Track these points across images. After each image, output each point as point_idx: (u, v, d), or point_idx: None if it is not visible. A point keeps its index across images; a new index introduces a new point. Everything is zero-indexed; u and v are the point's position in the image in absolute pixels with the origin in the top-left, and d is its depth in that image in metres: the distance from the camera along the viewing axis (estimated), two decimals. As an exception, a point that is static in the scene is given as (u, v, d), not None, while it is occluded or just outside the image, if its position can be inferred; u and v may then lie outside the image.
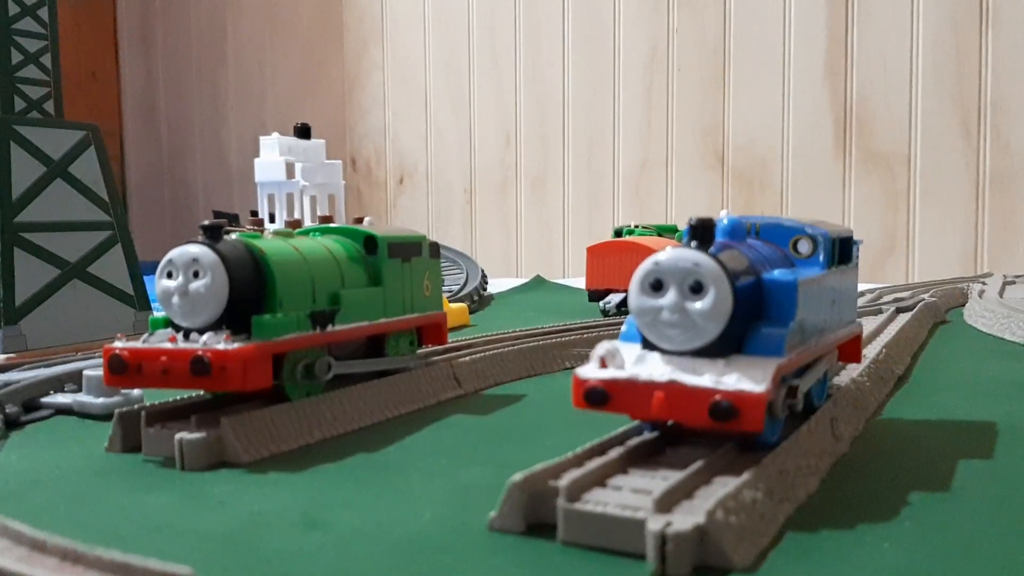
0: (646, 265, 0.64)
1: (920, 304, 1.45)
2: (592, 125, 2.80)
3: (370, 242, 0.94)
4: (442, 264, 2.30)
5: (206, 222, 0.79)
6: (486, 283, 2.11)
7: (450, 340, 1.21)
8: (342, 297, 0.87)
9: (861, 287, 2.02)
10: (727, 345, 0.63)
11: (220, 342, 0.75)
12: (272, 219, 2.48)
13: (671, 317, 0.63)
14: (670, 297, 0.63)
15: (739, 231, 0.76)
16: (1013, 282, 1.95)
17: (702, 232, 0.66)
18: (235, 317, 0.78)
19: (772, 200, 2.54)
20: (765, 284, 0.68)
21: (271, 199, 2.52)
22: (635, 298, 0.64)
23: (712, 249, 0.65)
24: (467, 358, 1.07)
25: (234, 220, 2.69)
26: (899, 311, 1.40)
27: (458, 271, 2.20)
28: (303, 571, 0.52)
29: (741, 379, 0.60)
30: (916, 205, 2.38)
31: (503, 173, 2.96)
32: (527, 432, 0.85)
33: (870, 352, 1.03)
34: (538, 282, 2.41)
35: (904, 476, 0.69)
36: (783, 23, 2.49)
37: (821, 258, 0.75)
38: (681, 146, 2.67)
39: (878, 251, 2.42)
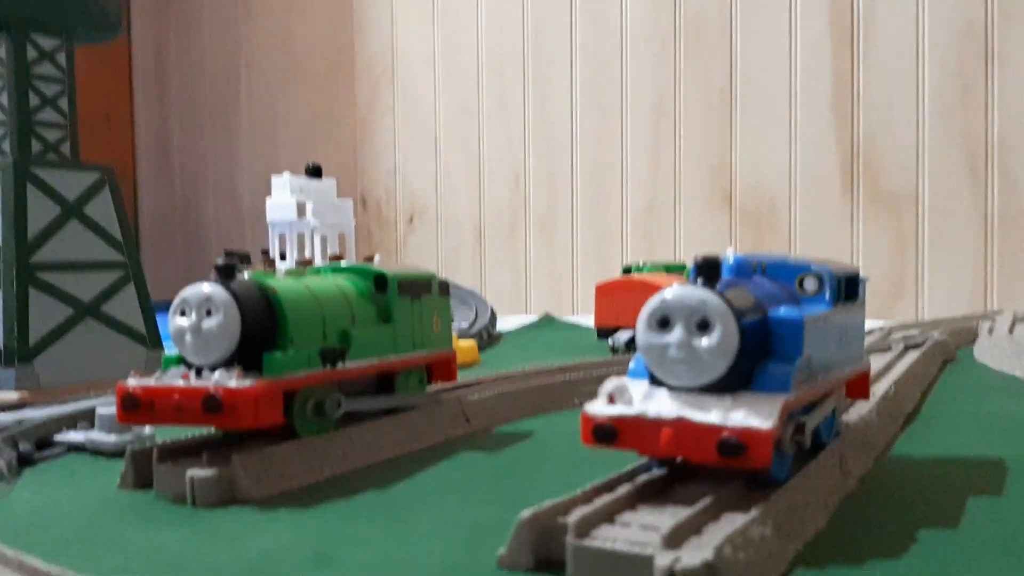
0: (653, 302, 0.65)
1: (929, 341, 1.45)
2: (600, 166, 2.82)
3: (380, 280, 0.95)
4: (451, 302, 2.32)
5: (219, 261, 0.80)
6: (495, 321, 2.11)
7: (459, 378, 1.21)
8: (352, 334, 0.87)
9: (871, 324, 2.02)
10: (734, 381, 0.64)
11: (232, 379, 0.76)
12: (283, 258, 2.50)
13: (678, 354, 0.63)
14: (677, 334, 0.63)
15: (745, 269, 0.77)
16: (1023, 319, 1.94)
17: (708, 270, 0.66)
18: (247, 354, 0.79)
19: (780, 240, 2.54)
20: (771, 321, 0.68)
21: (282, 238, 2.54)
22: (642, 334, 0.65)
23: (718, 287, 0.66)
24: (476, 395, 1.07)
25: (245, 259, 2.72)
26: (908, 348, 1.40)
27: (468, 309, 2.21)
28: (313, 607, 0.52)
29: (749, 415, 0.60)
30: (925, 244, 2.39)
31: (512, 213, 2.98)
32: (536, 469, 0.86)
33: (879, 389, 1.03)
34: (547, 320, 2.42)
35: (913, 513, 0.68)
36: (789, 65, 2.52)
37: (827, 296, 0.76)
38: (689, 186, 2.68)
39: (887, 290, 2.42)
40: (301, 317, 0.83)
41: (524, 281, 2.96)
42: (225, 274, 0.80)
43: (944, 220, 2.36)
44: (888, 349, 1.39)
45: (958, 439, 0.95)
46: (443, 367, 1.03)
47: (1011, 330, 1.72)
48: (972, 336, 1.78)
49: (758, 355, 0.67)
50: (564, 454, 0.91)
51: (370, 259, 2.51)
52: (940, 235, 2.37)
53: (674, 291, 0.65)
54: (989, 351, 1.53)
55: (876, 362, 1.24)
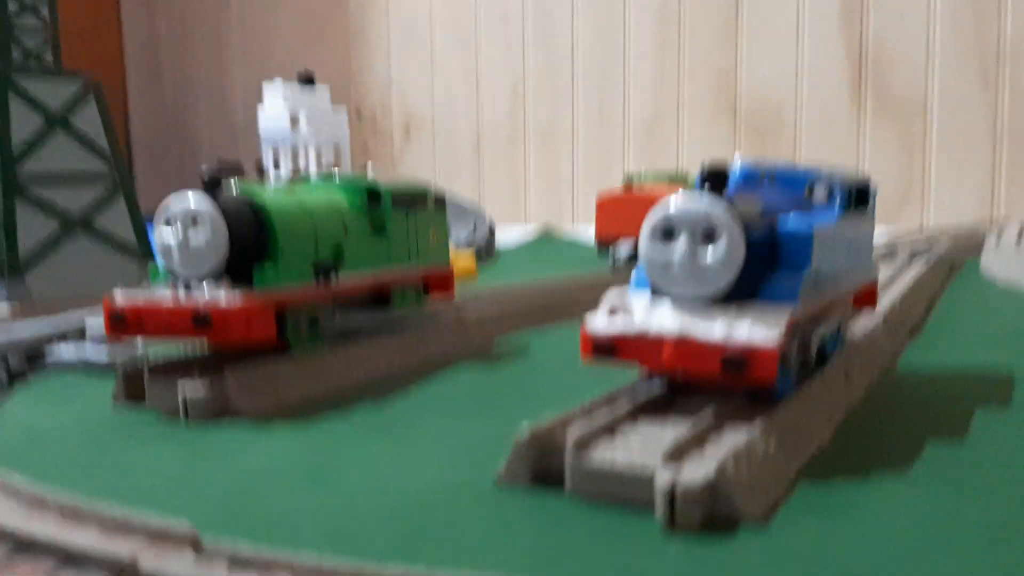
0: (657, 213, 0.62)
1: (934, 250, 1.43)
2: (602, 75, 2.75)
3: (374, 193, 0.92)
4: (449, 214, 2.28)
5: (205, 171, 0.77)
6: (494, 233, 2.08)
7: (457, 292, 1.19)
8: (345, 248, 0.85)
9: (878, 232, 1.99)
10: (740, 293, 0.62)
11: (221, 294, 0.73)
12: (277, 168, 2.46)
13: (683, 265, 0.61)
14: (681, 245, 0.61)
15: (753, 177, 0.74)
16: (1030, 229, 1.91)
17: (715, 179, 0.63)
18: (236, 267, 0.77)
19: (785, 148, 2.50)
20: (780, 232, 0.66)
21: (275, 150, 2.50)
22: (646, 247, 0.62)
23: (725, 196, 0.64)
24: (474, 310, 1.05)
25: (238, 170, 2.68)
26: (914, 256, 1.38)
27: (466, 221, 2.18)
28: (309, 529, 0.51)
29: (753, 330, 0.58)
30: (932, 151, 2.34)
31: (511, 124, 2.92)
32: (535, 384, 0.84)
33: (884, 301, 1.01)
34: (546, 235, 2.39)
35: (918, 426, 0.67)
36: (797, -35, 2.43)
37: (837, 204, 0.73)
38: (693, 95, 2.62)
39: (894, 198, 2.38)
40: (292, 230, 0.80)
41: (523, 192, 2.92)
42: (212, 186, 0.77)
43: (953, 127, 2.31)
44: (894, 255, 1.37)
45: (964, 351, 0.94)
46: (440, 282, 1.01)
47: (1019, 239, 1.69)
48: (979, 244, 1.75)
49: (766, 266, 0.65)
50: (563, 368, 0.89)
51: (363, 167, 2.47)
52: (948, 142, 2.32)
53: (679, 202, 0.62)
54: (996, 261, 1.50)
55: (882, 272, 1.22)
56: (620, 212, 1.67)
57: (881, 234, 1.92)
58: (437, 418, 0.72)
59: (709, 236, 0.61)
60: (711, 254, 0.60)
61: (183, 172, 3.63)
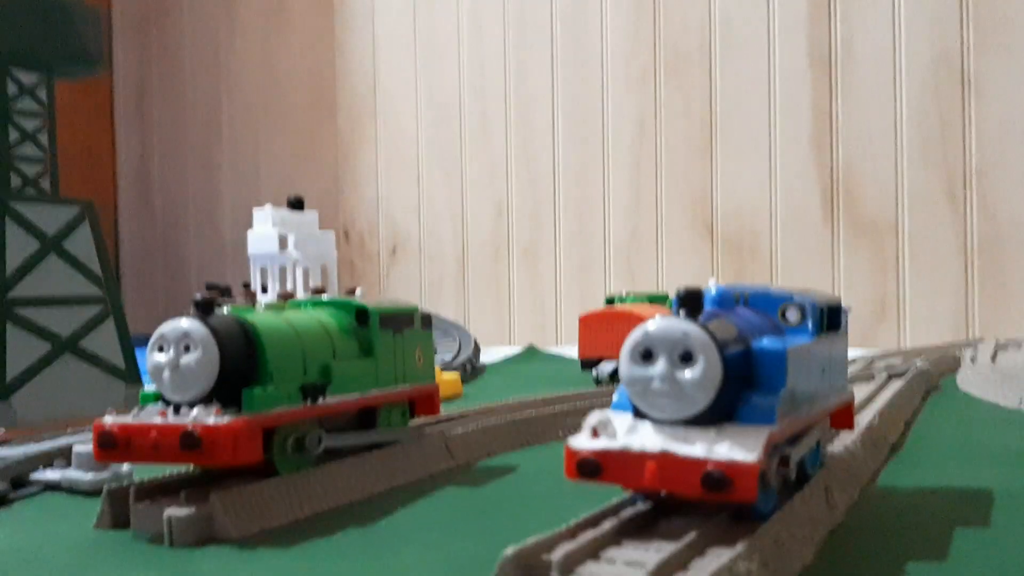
0: (636, 335, 0.65)
1: (912, 370, 1.45)
2: (583, 196, 2.83)
3: (362, 314, 0.94)
4: (434, 334, 2.30)
5: (198, 296, 0.80)
6: (479, 353, 2.10)
7: (443, 411, 1.20)
8: (333, 369, 0.87)
9: (853, 353, 2.02)
10: (718, 414, 0.64)
11: (210, 416, 0.74)
12: (265, 291, 2.48)
13: (661, 386, 0.63)
14: (660, 366, 0.63)
15: (727, 300, 0.77)
16: (1005, 347, 1.95)
17: (690, 302, 0.66)
18: (226, 391, 0.78)
19: (762, 268, 2.55)
20: (755, 352, 0.68)
21: (264, 271, 2.53)
22: (625, 367, 0.65)
23: (701, 318, 0.66)
24: (459, 430, 1.06)
25: (226, 293, 2.70)
26: (891, 377, 1.40)
27: (451, 341, 2.20)
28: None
29: (733, 448, 0.60)
30: (906, 272, 2.40)
31: (495, 243, 2.98)
32: (520, 504, 0.85)
33: (863, 419, 1.03)
34: (531, 352, 2.41)
35: (901, 545, 0.68)
36: (768, 95, 2.54)
37: (810, 326, 0.76)
38: (671, 216, 2.69)
39: (869, 317, 2.43)
40: (281, 352, 0.82)
41: (508, 312, 2.96)
42: (204, 309, 0.79)
43: (924, 247, 2.38)
44: (871, 378, 1.39)
45: (944, 469, 0.95)
46: (426, 401, 1.02)
47: (993, 358, 1.72)
48: (955, 364, 1.79)
49: (742, 387, 0.67)
50: (548, 488, 0.90)
51: (352, 292, 2.50)
52: (921, 262, 2.38)
53: (657, 323, 0.64)
54: (973, 380, 1.53)
55: (860, 392, 1.24)
56: (602, 330, 1.70)
57: (858, 355, 1.96)
58: (422, 539, 0.72)
59: (687, 357, 0.63)
60: (689, 375, 0.62)
61: (171, 293, 3.66)
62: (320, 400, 0.84)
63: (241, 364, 0.79)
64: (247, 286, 2.64)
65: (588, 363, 1.70)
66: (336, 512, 0.81)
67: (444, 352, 2.04)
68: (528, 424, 1.17)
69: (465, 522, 0.78)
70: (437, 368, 1.61)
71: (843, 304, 0.84)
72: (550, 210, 2.88)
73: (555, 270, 2.88)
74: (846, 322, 0.86)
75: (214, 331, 0.77)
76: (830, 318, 0.80)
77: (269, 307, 0.88)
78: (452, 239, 3.05)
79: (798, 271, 2.50)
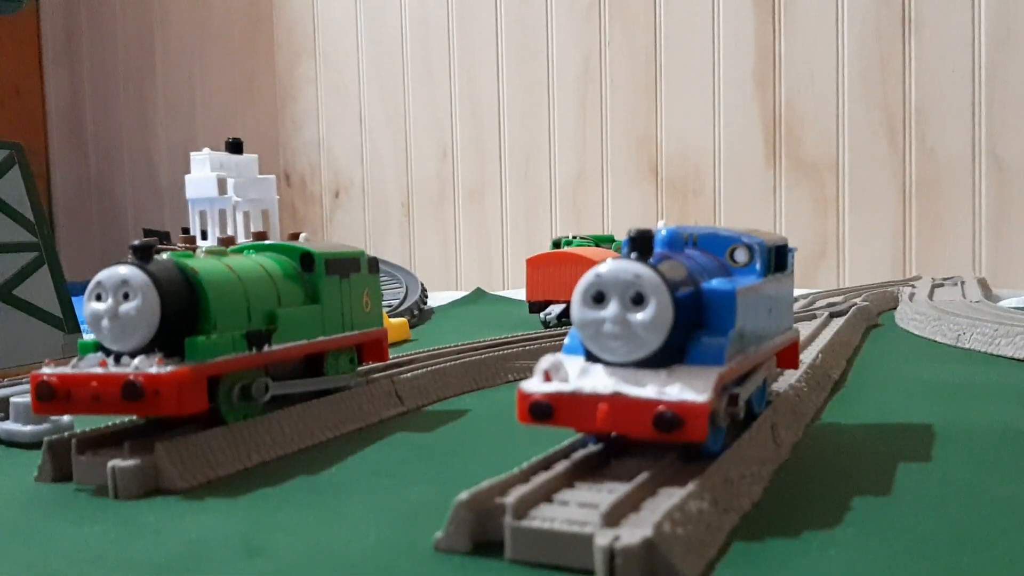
0: (587, 278, 0.64)
1: (853, 308, 1.48)
2: (528, 137, 2.81)
3: (307, 259, 0.92)
4: (381, 279, 2.29)
5: (136, 242, 0.77)
6: (426, 297, 2.09)
7: (391, 356, 1.19)
8: (279, 316, 0.85)
9: (795, 292, 2.05)
10: (669, 355, 0.64)
11: (153, 365, 0.73)
12: (204, 236, 2.44)
13: (613, 329, 0.63)
14: (612, 309, 0.63)
15: (677, 241, 0.76)
16: (942, 284, 2.00)
17: (641, 244, 0.66)
18: (168, 339, 0.76)
19: (705, 208, 2.57)
20: (704, 294, 0.68)
21: (203, 216, 2.47)
22: (577, 311, 0.64)
23: (652, 260, 0.66)
24: (408, 374, 1.06)
25: (165, 238, 2.64)
26: (832, 316, 1.43)
27: (397, 285, 2.18)
28: (244, 601, 0.50)
29: (684, 389, 0.60)
30: (845, 211, 2.44)
31: (440, 186, 2.95)
32: (471, 448, 0.85)
33: (806, 357, 1.05)
34: (478, 294, 2.41)
35: (846, 481, 0.69)
36: (712, 34, 2.53)
37: (758, 266, 0.76)
38: (616, 157, 2.69)
39: (810, 257, 2.47)
40: (224, 299, 0.80)
41: (454, 255, 2.94)
42: (142, 255, 0.76)
43: (864, 187, 2.41)
44: (813, 317, 1.41)
45: (885, 405, 0.97)
46: (374, 347, 1.01)
47: (930, 296, 1.76)
48: (894, 302, 1.83)
49: (692, 328, 0.67)
50: (500, 431, 0.90)
51: (296, 237, 2.46)
52: (860, 202, 2.42)
53: (608, 266, 0.64)
54: (911, 317, 1.56)
55: (802, 330, 1.26)
56: (550, 273, 1.69)
57: (800, 294, 1.99)
58: (373, 485, 0.72)
59: (638, 300, 0.63)
60: (640, 316, 0.62)
61: (107, 239, 3.57)
62: (265, 347, 0.82)
63: (183, 312, 0.77)
64: (186, 231, 2.60)
65: (536, 306, 1.70)
66: (284, 460, 0.80)
67: (391, 297, 2.02)
68: (478, 367, 1.17)
69: (415, 468, 0.77)
70: (385, 313, 1.60)
71: (788, 244, 0.85)
72: (495, 152, 2.86)
73: (501, 212, 2.86)
74: (792, 262, 0.86)
75: (154, 278, 0.75)
76: (777, 258, 0.81)
77: (210, 252, 0.86)
78: (396, 182, 3.01)
79: (741, 212, 2.52)
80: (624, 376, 0.63)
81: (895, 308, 1.76)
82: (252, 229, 2.45)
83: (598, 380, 0.63)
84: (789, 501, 0.65)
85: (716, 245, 0.78)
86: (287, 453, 0.82)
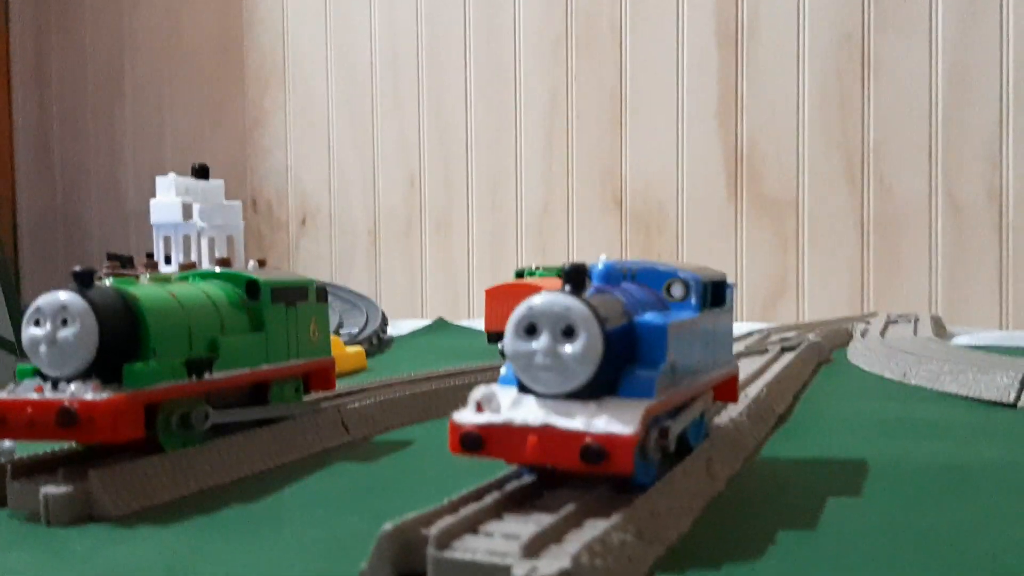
0: (520, 309, 0.65)
1: (804, 344, 1.50)
2: (495, 168, 2.83)
3: (252, 287, 0.92)
4: (342, 307, 2.28)
5: (76, 268, 0.77)
6: (386, 326, 2.09)
7: (347, 384, 1.19)
8: (221, 344, 0.85)
9: (751, 327, 2.08)
10: (599, 388, 0.64)
11: (88, 392, 0.72)
12: (168, 261, 2.42)
13: (544, 360, 0.64)
14: (543, 341, 0.64)
15: (614, 275, 0.77)
16: (896, 321, 2.03)
17: (575, 277, 0.67)
18: (106, 366, 0.76)
19: (669, 242, 2.60)
20: (637, 327, 0.69)
21: (167, 241, 2.46)
22: (510, 342, 0.65)
23: (587, 293, 0.67)
24: (356, 404, 1.06)
25: (127, 263, 2.62)
26: (784, 351, 1.44)
27: (358, 314, 2.18)
28: (160, 630, 0.50)
29: (611, 422, 0.61)
30: (805, 248, 2.47)
31: (407, 215, 2.96)
32: (412, 479, 0.85)
33: (751, 391, 1.06)
34: (440, 324, 2.41)
35: (775, 515, 0.70)
36: (676, 71, 2.57)
37: (693, 301, 0.77)
38: (581, 189, 2.71)
39: (770, 293, 2.49)
40: (164, 326, 0.80)
41: (420, 285, 2.94)
42: (82, 281, 0.76)
43: (823, 224, 2.45)
44: (765, 351, 1.43)
45: (825, 440, 0.98)
46: (321, 376, 1.01)
47: (883, 332, 1.79)
48: (847, 338, 1.85)
49: (624, 361, 0.68)
50: (443, 463, 0.90)
51: (262, 264, 2.46)
52: (819, 239, 2.45)
53: (540, 298, 0.65)
54: (861, 353, 1.59)
55: (751, 365, 1.28)
56: (509, 303, 1.70)
57: (756, 328, 2.01)
58: (307, 515, 0.72)
59: (568, 332, 0.63)
60: (570, 349, 0.63)
61: (72, 262, 3.54)
62: (206, 375, 0.82)
63: (122, 338, 0.77)
64: (150, 256, 2.58)
65: (494, 336, 1.71)
66: (223, 489, 0.80)
67: (351, 325, 2.02)
68: (428, 398, 1.17)
69: (353, 498, 0.78)
70: (341, 341, 1.60)
71: (728, 280, 0.86)
72: (463, 182, 2.87)
73: (467, 243, 2.87)
74: (731, 297, 0.88)
75: (93, 304, 0.75)
76: (715, 293, 0.82)
77: (154, 279, 0.86)
78: (363, 210, 3.02)
79: (703, 246, 2.55)
80: (555, 408, 0.64)
81: (848, 344, 1.78)
82: (217, 255, 2.44)
83: (529, 411, 0.64)
84: (717, 534, 0.66)
85: (653, 280, 0.79)
86: (226, 482, 0.82)
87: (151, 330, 0.78)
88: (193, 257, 2.44)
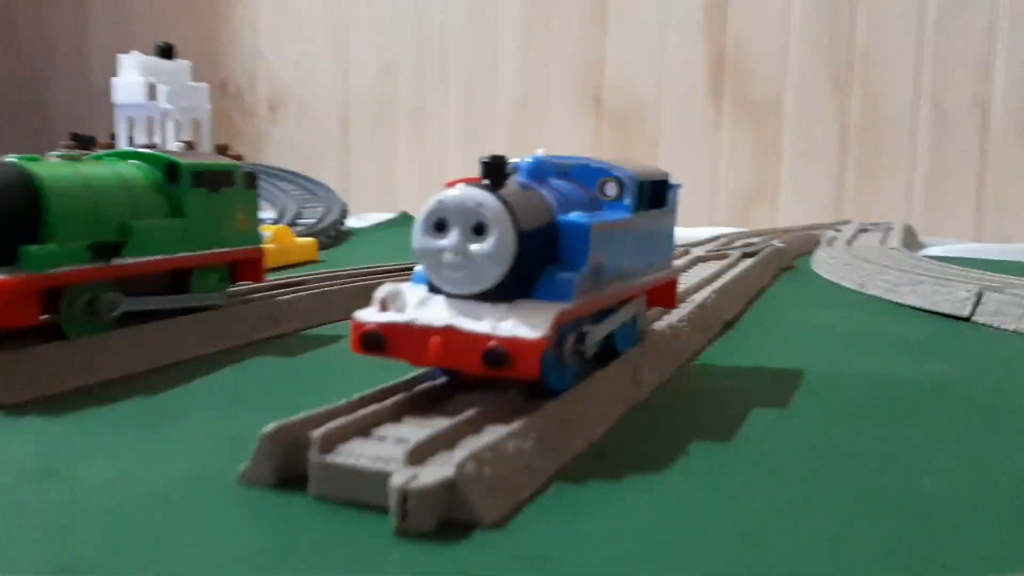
0: (430, 204, 0.61)
1: (766, 250, 1.46)
2: (473, 60, 2.73)
3: (172, 169, 0.87)
4: (302, 197, 2.23)
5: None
6: (344, 218, 2.04)
7: (285, 276, 1.16)
8: (133, 228, 0.80)
9: (725, 231, 2.04)
10: (513, 289, 0.61)
11: (-22, 274, 0.68)
12: (131, 143, 2.35)
13: (453, 259, 0.60)
14: (452, 238, 0.60)
15: (544, 171, 0.73)
16: (867, 230, 1.99)
17: (492, 171, 0.62)
18: (3, 247, 0.72)
19: (647, 143, 2.53)
20: (559, 227, 0.65)
21: (131, 122, 2.38)
22: (418, 238, 0.61)
23: (510, 189, 0.63)
24: (288, 296, 1.02)
25: (89, 143, 2.55)
26: (745, 256, 1.41)
27: (318, 204, 2.13)
28: (16, 528, 0.47)
29: (518, 325, 0.58)
30: (785, 153, 2.41)
31: (380, 105, 2.87)
32: (331, 375, 0.82)
33: (698, 297, 1.03)
34: (404, 218, 2.36)
35: (694, 425, 0.68)
36: (664, -38, 2.46)
37: (627, 201, 0.73)
38: (560, 85, 2.63)
39: (748, 197, 2.45)
40: (67, 206, 0.75)
41: (391, 178, 2.88)
42: (-24, 157, 0.71)
43: (805, 129, 2.39)
44: (725, 257, 1.39)
45: (766, 349, 0.96)
46: (249, 266, 0.96)
47: (851, 241, 1.75)
48: (815, 245, 1.81)
49: (543, 262, 0.64)
50: (369, 360, 0.87)
51: (224, 149, 2.39)
52: (801, 144, 2.39)
53: (452, 193, 0.61)
54: (824, 261, 1.55)
55: (707, 270, 1.24)
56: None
57: (726, 232, 1.97)
58: (206, 411, 0.69)
59: (479, 229, 0.59)
60: (480, 247, 0.59)
61: (36, 142, 3.45)
62: (115, 260, 0.78)
63: (19, 218, 0.73)
64: (113, 137, 2.50)
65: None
66: (130, 381, 0.77)
67: (309, 216, 1.97)
68: (368, 292, 1.13)
69: (262, 394, 0.75)
70: (290, 231, 1.55)
71: (672, 180, 0.82)
72: (439, 73, 2.78)
73: (442, 137, 2.80)
74: (674, 199, 0.83)
75: (-15, 182, 0.70)
76: (653, 194, 0.77)
77: (62, 157, 0.81)
78: (335, 98, 2.93)
79: (682, 148, 2.49)
80: (462, 309, 0.60)
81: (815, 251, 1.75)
82: (182, 139, 2.37)
83: (434, 312, 0.60)
84: (628, 444, 0.63)
85: (587, 177, 0.74)
86: (134, 372, 0.79)
87: (52, 211, 0.74)
88: (157, 139, 2.37)
